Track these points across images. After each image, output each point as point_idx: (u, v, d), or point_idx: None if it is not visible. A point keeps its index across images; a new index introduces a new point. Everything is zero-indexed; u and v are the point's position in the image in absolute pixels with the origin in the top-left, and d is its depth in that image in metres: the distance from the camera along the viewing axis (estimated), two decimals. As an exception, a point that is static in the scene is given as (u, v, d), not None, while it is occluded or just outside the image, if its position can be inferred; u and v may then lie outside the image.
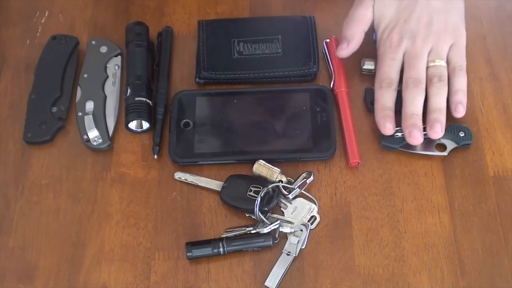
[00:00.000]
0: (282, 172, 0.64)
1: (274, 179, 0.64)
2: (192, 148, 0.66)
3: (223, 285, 0.60)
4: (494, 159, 0.66)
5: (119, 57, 0.72)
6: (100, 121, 0.67)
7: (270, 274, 0.60)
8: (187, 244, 0.61)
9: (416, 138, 0.64)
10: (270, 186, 0.63)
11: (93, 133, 0.66)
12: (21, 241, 0.62)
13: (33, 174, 0.66)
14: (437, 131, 0.64)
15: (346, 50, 0.69)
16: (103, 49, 0.72)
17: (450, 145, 0.66)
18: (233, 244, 0.60)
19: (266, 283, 0.59)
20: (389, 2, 0.68)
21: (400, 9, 0.67)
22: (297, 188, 0.63)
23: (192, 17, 0.76)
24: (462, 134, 0.66)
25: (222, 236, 0.61)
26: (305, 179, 0.64)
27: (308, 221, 0.63)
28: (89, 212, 0.64)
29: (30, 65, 0.71)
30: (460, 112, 0.65)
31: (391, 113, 0.65)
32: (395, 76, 0.66)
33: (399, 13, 0.67)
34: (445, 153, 0.65)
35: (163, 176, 0.66)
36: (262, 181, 0.64)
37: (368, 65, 0.70)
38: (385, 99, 0.66)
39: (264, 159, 0.64)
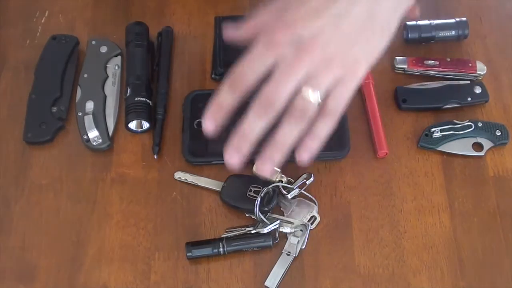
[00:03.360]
0: (282, 172, 0.64)
1: (274, 179, 0.64)
2: (206, 148, 0.66)
3: (223, 285, 0.60)
4: (494, 159, 0.66)
5: (119, 57, 0.72)
6: (100, 121, 0.67)
7: (270, 274, 0.60)
8: (187, 244, 0.61)
9: (231, 163, 0.53)
10: (270, 186, 0.63)
11: (93, 133, 0.66)
12: (21, 241, 0.62)
13: (33, 174, 0.66)
14: (267, 170, 0.53)
15: None
16: (103, 49, 0.72)
17: (487, 144, 0.65)
18: (233, 244, 0.60)
19: (266, 283, 0.59)
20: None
21: (304, 10, 0.52)
22: (297, 188, 0.63)
23: (192, 17, 0.76)
24: (498, 133, 0.65)
25: (222, 236, 0.61)
26: (305, 180, 0.64)
27: (308, 221, 0.63)
28: (89, 212, 0.64)
29: (30, 65, 0.71)
30: (305, 160, 0.54)
31: (221, 115, 0.54)
32: (251, 81, 0.52)
33: (300, 14, 0.52)
34: (481, 153, 0.65)
35: (163, 176, 0.66)
36: (262, 181, 0.63)
37: (401, 64, 0.70)
38: (223, 99, 0.53)
39: None
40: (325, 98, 0.53)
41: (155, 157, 0.66)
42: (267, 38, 0.52)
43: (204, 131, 0.54)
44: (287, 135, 0.52)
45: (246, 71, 0.53)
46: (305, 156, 0.54)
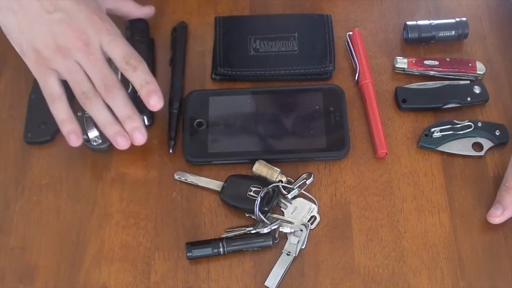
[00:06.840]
0: (282, 172, 0.64)
1: (274, 179, 0.64)
2: (206, 148, 0.66)
3: (223, 285, 0.60)
4: (494, 159, 0.66)
5: (119, 56, 0.72)
6: (100, 121, 0.67)
7: (270, 274, 0.60)
8: (187, 244, 0.61)
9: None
10: (270, 186, 0.63)
11: (93, 133, 0.66)
12: (21, 241, 0.62)
13: (33, 174, 0.66)
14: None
15: None
16: (103, 48, 0.71)
17: (487, 144, 0.65)
18: (233, 244, 0.60)
19: (266, 283, 0.59)
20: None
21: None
22: (297, 188, 0.63)
23: (192, 17, 0.76)
24: (498, 133, 0.65)
25: (222, 236, 0.61)
26: (305, 180, 0.64)
27: (308, 221, 0.63)
28: (89, 212, 0.64)
29: (30, 65, 0.71)
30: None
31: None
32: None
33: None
34: (481, 153, 0.65)
35: (163, 176, 0.66)
36: (262, 181, 0.63)
37: (401, 64, 0.70)
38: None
39: (278, 159, 0.65)
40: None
41: (170, 151, 0.66)
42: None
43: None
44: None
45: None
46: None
